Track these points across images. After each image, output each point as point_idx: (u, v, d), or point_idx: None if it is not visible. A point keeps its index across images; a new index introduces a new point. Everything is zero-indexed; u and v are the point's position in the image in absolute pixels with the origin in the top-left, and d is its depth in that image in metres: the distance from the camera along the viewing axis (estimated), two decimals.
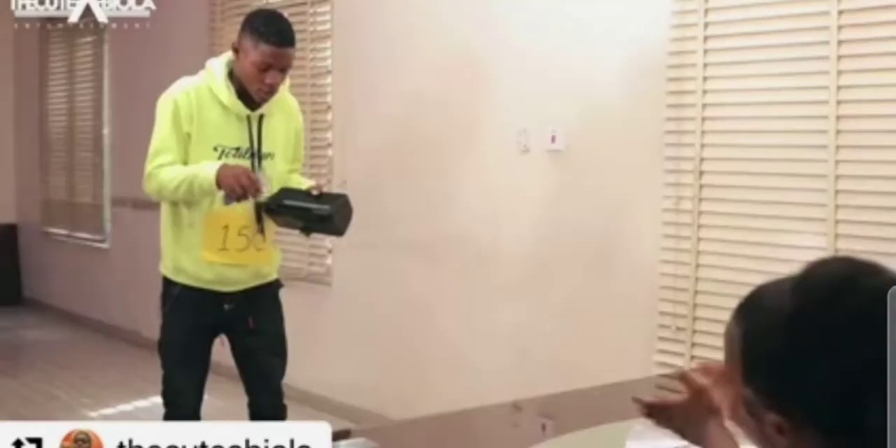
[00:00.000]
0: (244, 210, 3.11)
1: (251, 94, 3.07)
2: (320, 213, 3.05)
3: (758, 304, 1.12)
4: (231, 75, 3.09)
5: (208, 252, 3.11)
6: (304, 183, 3.23)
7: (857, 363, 1.02)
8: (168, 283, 3.21)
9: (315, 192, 3.09)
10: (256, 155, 3.10)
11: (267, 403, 3.28)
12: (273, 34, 3.01)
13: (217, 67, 3.11)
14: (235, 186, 2.95)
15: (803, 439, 1.06)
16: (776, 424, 1.07)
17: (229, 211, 3.08)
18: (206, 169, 2.98)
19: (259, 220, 3.14)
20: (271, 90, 3.07)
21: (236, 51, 3.06)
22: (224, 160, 3.06)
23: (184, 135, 3.05)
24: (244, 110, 3.09)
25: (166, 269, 3.22)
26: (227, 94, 3.06)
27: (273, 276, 3.30)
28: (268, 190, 3.04)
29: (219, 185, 2.96)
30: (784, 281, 1.11)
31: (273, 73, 3.02)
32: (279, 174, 3.19)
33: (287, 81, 3.20)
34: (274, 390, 3.30)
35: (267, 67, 3.01)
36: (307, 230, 3.17)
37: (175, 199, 3.10)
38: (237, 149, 3.08)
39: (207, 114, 3.07)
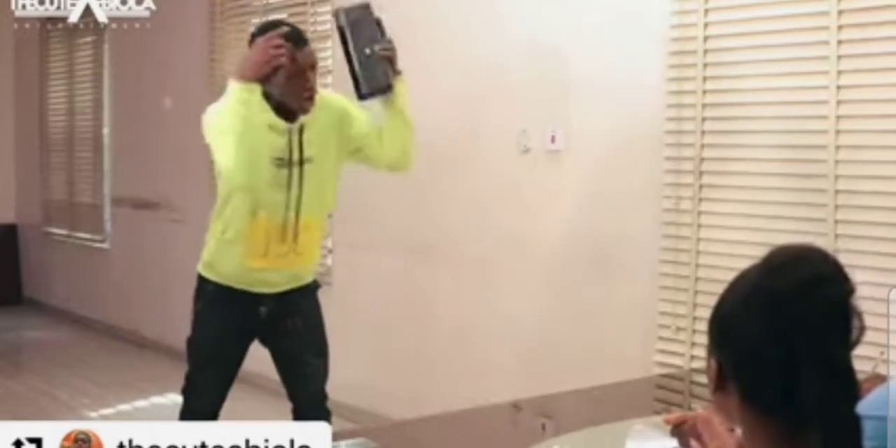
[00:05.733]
0: (283, 219, 3.05)
1: (294, 107, 3.02)
2: (359, 90, 3.03)
3: (738, 277, 1.29)
4: (266, 96, 3.00)
5: (249, 259, 3.05)
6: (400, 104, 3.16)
7: (795, 334, 1.12)
8: (202, 281, 3.14)
9: (378, 50, 3.01)
10: (297, 162, 3.03)
11: (309, 408, 3.18)
12: (291, 38, 2.98)
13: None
14: (269, 56, 2.91)
15: (726, 390, 1.19)
16: (716, 367, 1.20)
17: (270, 220, 3.03)
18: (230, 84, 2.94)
19: (296, 221, 3.06)
20: (311, 93, 3.02)
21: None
22: (272, 170, 3.00)
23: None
24: (283, 124, 3.02)
25: (203, 263, 3.13)
26: (269, 114, 2.99)
27: (310, 279, 3.22)
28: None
29: (247, 73, 2.91)
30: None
31: (307, 74, 3.00)
32: (323, 175, 3.11)
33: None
34: (316, 394, 3.21)
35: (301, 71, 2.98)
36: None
37: (229, 133, 2.93)
38: (280, 159, 3.01)
39: (258, 123, 2.98)
